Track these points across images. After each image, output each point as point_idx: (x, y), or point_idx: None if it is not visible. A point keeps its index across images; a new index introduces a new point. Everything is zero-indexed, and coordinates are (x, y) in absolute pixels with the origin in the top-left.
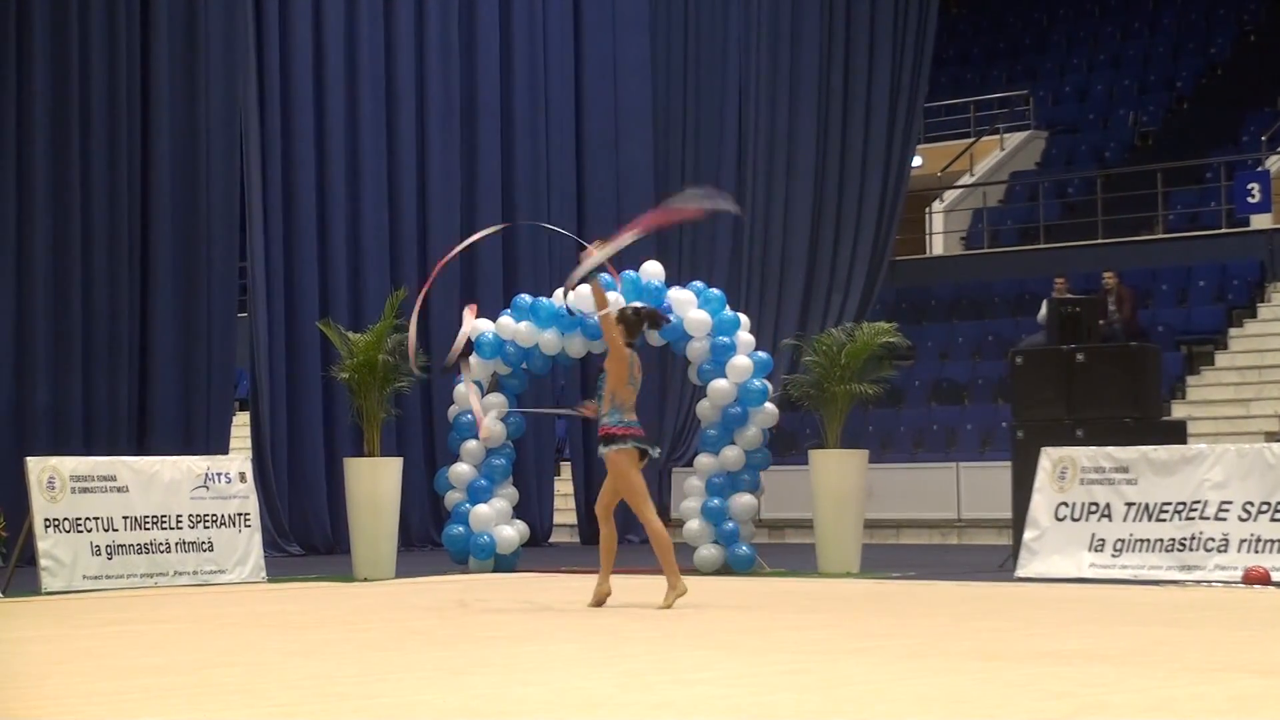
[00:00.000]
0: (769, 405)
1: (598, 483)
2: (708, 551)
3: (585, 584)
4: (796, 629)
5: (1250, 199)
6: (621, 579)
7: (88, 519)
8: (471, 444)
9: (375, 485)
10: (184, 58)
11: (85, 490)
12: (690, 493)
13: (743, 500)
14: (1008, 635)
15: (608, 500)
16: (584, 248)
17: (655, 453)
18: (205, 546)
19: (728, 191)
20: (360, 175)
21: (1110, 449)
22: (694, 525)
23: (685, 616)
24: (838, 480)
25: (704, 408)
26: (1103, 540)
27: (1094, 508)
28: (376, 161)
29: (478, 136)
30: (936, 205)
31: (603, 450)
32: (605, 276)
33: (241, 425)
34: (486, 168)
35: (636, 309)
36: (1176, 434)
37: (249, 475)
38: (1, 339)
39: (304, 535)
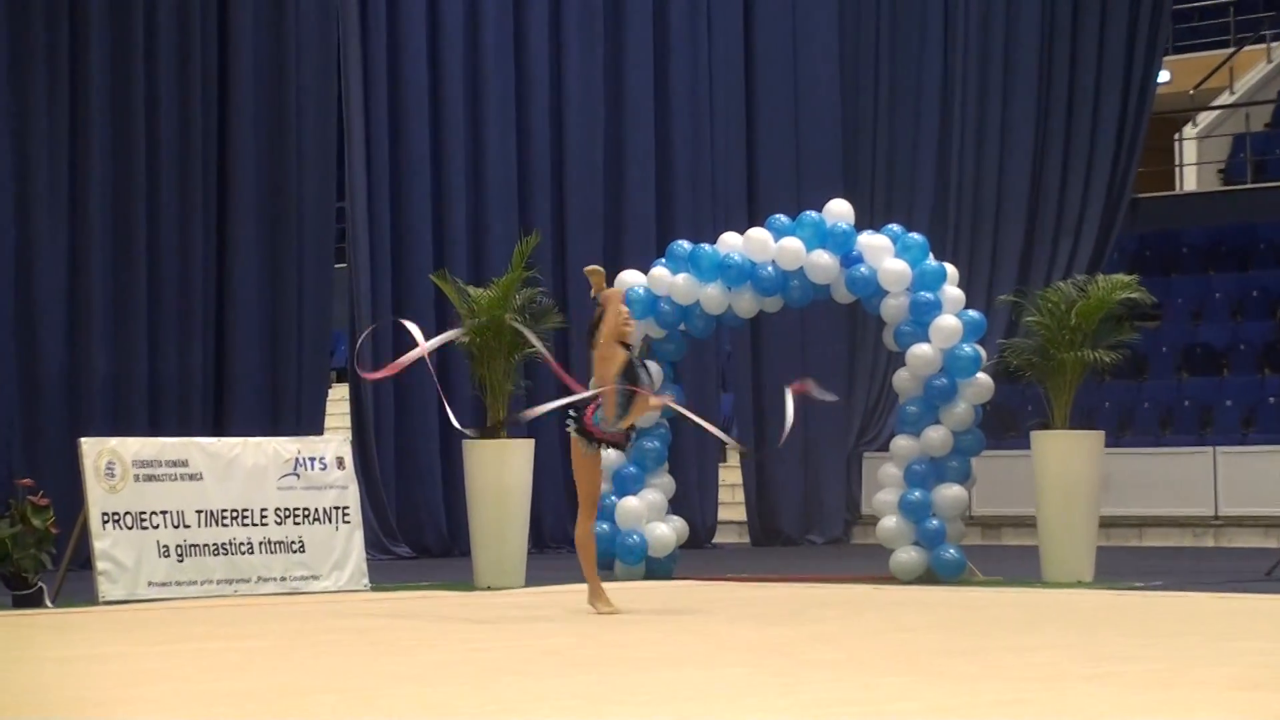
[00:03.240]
0: (982, 376)
1: (772, 471)
2: (907, 555)
3: (758, 594)
4: (1015, 651)
5: None
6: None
7: (154, 513)
8: None
9: (501, 474)
10: None
11: (151, 478)
12: (886, 483)
13: (950, 493)
14: (1276, 659)
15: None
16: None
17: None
18: (295, 547)
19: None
20: (483, 97)
21: None
22: (890, 523)
23: (878, 635)
24: (1066, 468)
25: (902, 379)
26: None
27: None
28: (503, 80)
29: (624, 44)
30: (1188, 131)
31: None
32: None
33: (339, 400)
34: (635, 83)
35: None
36: None
37: (348, 461)
38: (52, 296)
39: (414, 534)
